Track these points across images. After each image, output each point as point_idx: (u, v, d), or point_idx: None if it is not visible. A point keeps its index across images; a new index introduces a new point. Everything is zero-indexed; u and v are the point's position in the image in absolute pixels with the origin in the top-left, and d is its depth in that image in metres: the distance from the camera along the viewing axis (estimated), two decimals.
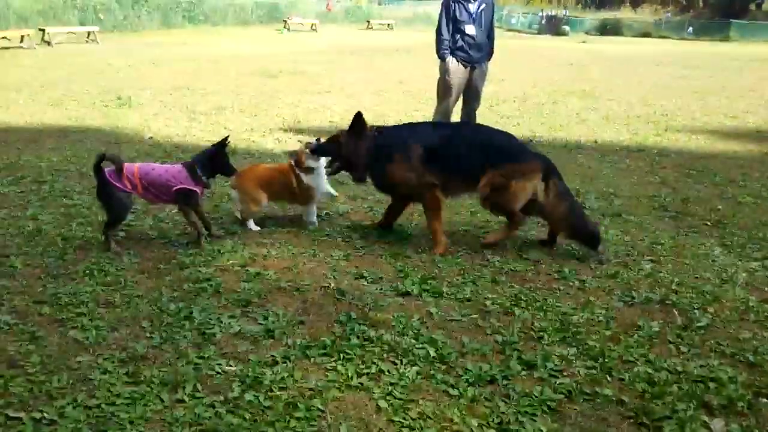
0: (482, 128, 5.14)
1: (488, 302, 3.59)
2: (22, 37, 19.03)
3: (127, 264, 3.96)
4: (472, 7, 7.02)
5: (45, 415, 2.51)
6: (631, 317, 3.50)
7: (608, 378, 2.90)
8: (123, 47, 20.14)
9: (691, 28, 43.16)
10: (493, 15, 7.28)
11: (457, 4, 7.04)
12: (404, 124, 4.94)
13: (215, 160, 4.26)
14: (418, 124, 5.07)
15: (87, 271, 3.83)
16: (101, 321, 3.26)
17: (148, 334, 3.14)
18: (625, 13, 52.21)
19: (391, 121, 9.18)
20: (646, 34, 41.21)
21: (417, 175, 4.32)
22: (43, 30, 20.35)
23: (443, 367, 2.93)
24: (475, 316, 3.43)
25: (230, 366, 2.88)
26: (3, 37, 18.33)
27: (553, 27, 40.46)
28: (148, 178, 4.13)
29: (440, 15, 7.19)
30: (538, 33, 40.21)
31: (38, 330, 3.16)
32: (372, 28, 35.41)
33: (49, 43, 19.89)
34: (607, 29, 43.36)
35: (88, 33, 22.18)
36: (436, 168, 4.33)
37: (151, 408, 2.57)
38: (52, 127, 8.25)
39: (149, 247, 4.26)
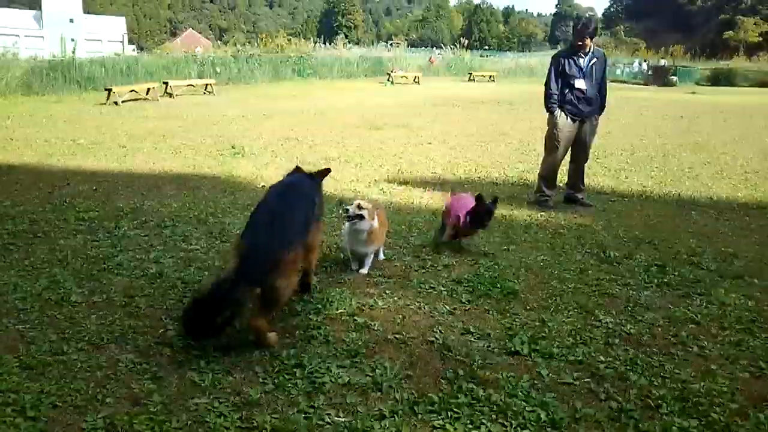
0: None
1: (601, 366, 3.46)
2: (148, 90, 20.53)
3: None
4: (583, 62, 6.98)
5: None
6: (760, 390, 3.27)
7: None
8: (237, 99, 21.33)
9: None
10: (605, 69, 7.20)
11: (566, 59, 7.02)
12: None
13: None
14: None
15: None
16: (217, 364, 3.39)
17: (260, 380, 3.23)
18: (738, 63, 50.03)
19: (495, 174, 9.17)
20: (763, 84, 39.20)
21: None
22: (167, 83, 21.89)
23: None
24: (587, 380, 3.31)
25: (339, 417, 2.91)
26: (131, 90, 19.84)
27: (660, 77, 39.30)
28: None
29: (549, 69, 7.19)
30: (645, 84, 39.16)
31: (159, 370, 3.33)
32: (474, 80, 35.71)
33: (171, 95, 21.34)
34: (719, 79, 41.67)
35: (206, 85, 23.65)
36: None
37: None
38: (172, 174, 8.80)
39: None
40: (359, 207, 4.70)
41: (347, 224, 4.77)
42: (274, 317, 3.79)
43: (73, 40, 26.62)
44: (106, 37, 40.63)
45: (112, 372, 3.29)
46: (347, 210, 4.70)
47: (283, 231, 3.62)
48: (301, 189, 4.19)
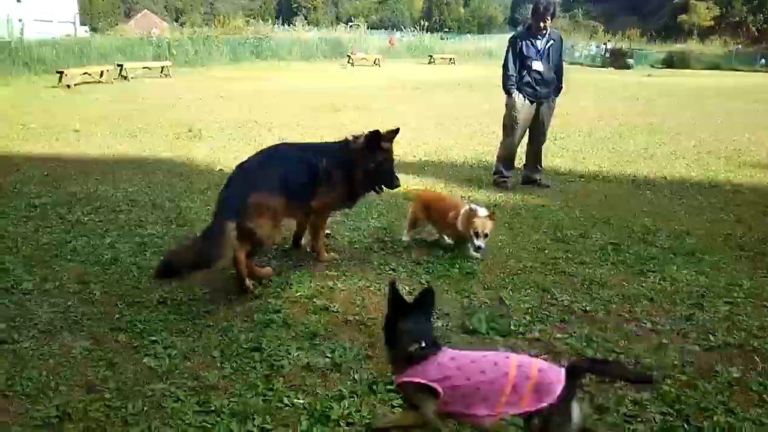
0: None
1: (558, 343, 3.52)
2: (102, 72, 20.01)
3: (198, 294, 4.07)
4: (540, 44, 7.02)
5: None
6: (708, 362, 3.36)
7: (685, 426, 2.79)
8: (193, 81, 20.95)
9: (763, 60, 41.88)
10: (561, 51, 7.26)
11: (524, 41, 7.06)
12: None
13: None
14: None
15: (161, 300, 3.95)
16: (174, 349, 3.35)
17: (218, 364, 3.21)
18: (692, 46, 51.03)
19: (454, 156, 9.21)
20: (715, 67, 40.13)
21: None
22: (121, 65, 21.35)
23: None
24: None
25: (298, 399, 2.90)
26: (84, 73, 19.31)
27: (617, 60, 39.88)
28: None
29: (507, 51, 7.22)
30: (602, 66, 39.71)
31: (114, 356, 3.28)
32: (434, 62, 35.72)
33: (126, 78, 20.84)
34: (673, 62, 42.47)
35: (162, 68, 23.16)
36: None
37: None
38: (127, 158, 8.62)
39: (221, 278, 4.35)
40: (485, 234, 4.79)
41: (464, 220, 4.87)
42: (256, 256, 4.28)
43: (20, 20, 25.74)
44: (57, 17, 39.26)
45: (65, 359, 3.23)
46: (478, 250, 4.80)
47: (251, 181, 4.18)
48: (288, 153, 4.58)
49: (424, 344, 2.42)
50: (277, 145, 4.87)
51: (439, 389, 2.34)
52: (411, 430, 2.51)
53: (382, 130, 4.62)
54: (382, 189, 4.85)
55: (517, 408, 2.27)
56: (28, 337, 3.44)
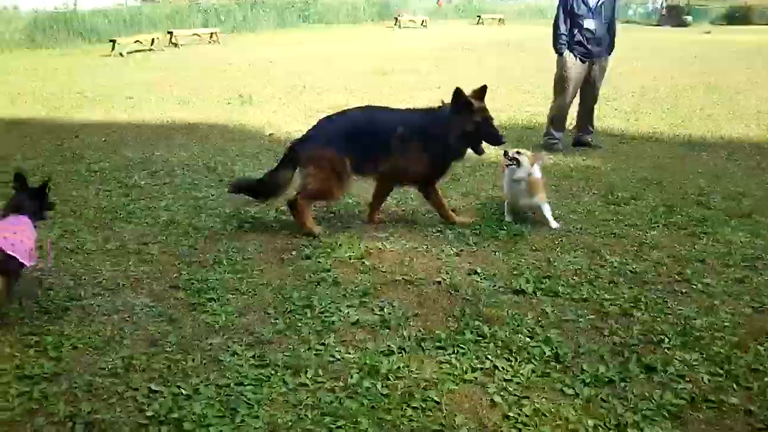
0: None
1: (606, 303, 3.52)
2: (153, 40, 20.33)
3: (252, 254, 4.20)
4: (592, 1, 6.84)
5: (182, 390, 2.72)
6: (761, 324, 3.32)
7: (735, 386, 2.77)
8: (242, 47, 21.11)
9: None
10: (614, 8, 7.05)
11: None
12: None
13: None
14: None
15: (216, 260, 4.10)
16: (230, 306, 3.48)
17: (273, 320, 3.33)
18: (756, 0, 48.55)
19: (504, 118, 9.10)
20: None
21: None
22: (171, 33, 21.64)
23: (559, 366, 2.91)
24: (592, 317, 3.37)
25: (349, 354, 3.00)
26: (136, 41, 19.66)
27: (674, 17, 38.29)
28: None
29: (558, 8, 7.06)
30: (658, 24, 38.22)
31: (174, 313, 3.42)
32: (483, 22, 35.00)
33: (176, 45, 21.13)
34: (735, 18, 40.52)
35: (211, 34, 23.36)
36: None
37: (276, 390, 2.72)
38: (180, 124, 8.82)
39: (273, 238, 4.49)
40: (517, 152, 4.66)
41: (507, 171, 4.71)
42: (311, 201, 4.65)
43: None
44: None
45: (128, 315, 3.39)
46: (506, 153, 4.64)
47: (312, 135, 4.65)
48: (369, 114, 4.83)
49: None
50: (360, 107, 5.09)
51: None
52: None
53: (466, 90, 4.60)
54: (483, 150, 4.77)
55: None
56: (93, 294, 3.62)
